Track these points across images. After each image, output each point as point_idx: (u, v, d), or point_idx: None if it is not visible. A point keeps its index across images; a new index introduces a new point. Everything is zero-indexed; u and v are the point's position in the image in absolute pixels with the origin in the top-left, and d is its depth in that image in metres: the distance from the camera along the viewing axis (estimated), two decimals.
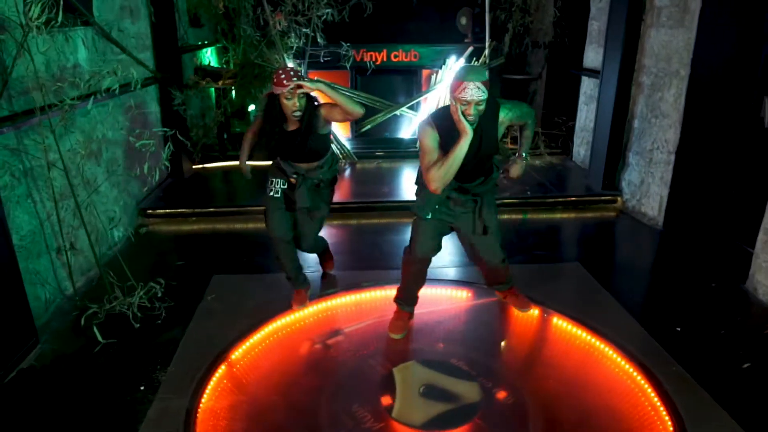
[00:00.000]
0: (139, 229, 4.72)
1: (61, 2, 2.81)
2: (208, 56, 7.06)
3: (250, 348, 3.20)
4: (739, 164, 4.29)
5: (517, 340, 3.46)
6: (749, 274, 3.78)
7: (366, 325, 3.48)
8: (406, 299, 3.35)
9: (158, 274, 3.71)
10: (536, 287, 3.76)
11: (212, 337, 3.24)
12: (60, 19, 2.77)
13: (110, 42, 4.28)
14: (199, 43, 6.68)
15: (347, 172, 6.30)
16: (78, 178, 3.67)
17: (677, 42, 4.47)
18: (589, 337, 3.29)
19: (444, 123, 2.73)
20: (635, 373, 2.96)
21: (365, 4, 5.67)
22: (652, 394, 2.80)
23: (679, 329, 3.36)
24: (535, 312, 3.54)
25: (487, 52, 6.30)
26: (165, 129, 3.66)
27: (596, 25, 5.82)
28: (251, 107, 6.65)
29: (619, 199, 5.40)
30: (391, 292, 3.73)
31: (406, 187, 5.73)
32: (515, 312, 3.55)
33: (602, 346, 3.21)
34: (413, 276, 3.25)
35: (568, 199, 5.44)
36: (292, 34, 5.71)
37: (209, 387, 2.85)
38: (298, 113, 3.06)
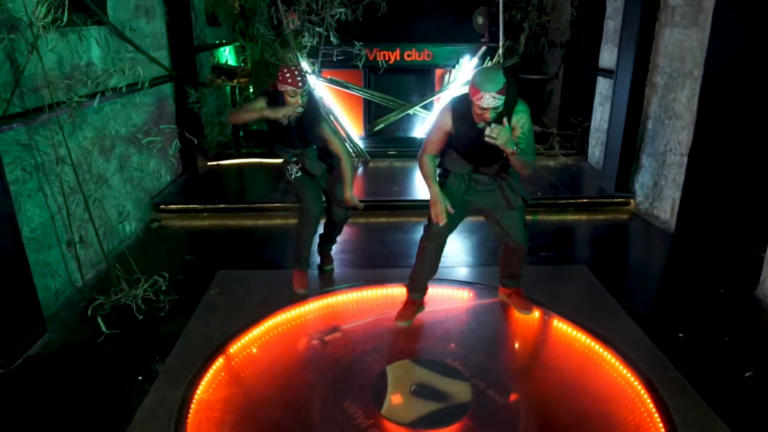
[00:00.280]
0: (151, 224, 4.82)
1: (66, 2, 2.88)
2: (226, 55, 7.16)
3: (249, 342, 3.25)
4: (753, 167, 4.19)
5: (515, 342, 3.44)
6: (760, 280, 3.68)
7: (365, 322, 3.50)
8: (417, 285, 3.41)
9: (166, 269, 3.79)
10: (539, 289, 3.73)
11: (212, 331, 3.29)
12: (65, 18, 2.85)
13: (124, 41, 4.39)
14: (217, 42, 6.79)
15: (359, 171, 6.33)
16: (89, 173, 3.78)
17: (691, 41, 4.38)
18: (588, 341, 3.25)
19: (461, 110, 2.91)
20: (632, 379, 2.91)
21: (379, 4, 5.70)
22: (648, 401, 2.75)
23: (681, 335, 3.30)
24: (536, 314, 3.52)
25: (501, 51, 6.26)
26: (172, 126, 3.72)
27: (612, 25, 5.73)
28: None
29: (631, 201, 5.31)
30: (393, 290, 3.80)
31: (418, 186, 5.74)
32: (516, 313, 3.53)
33: (601, 350, 3.16)
34: (428, 258, 3.29)
35: (580, 200, 5.37)
36: (306, 33, 5.75)
37: (205, 379, 2.90)
38: (300, 109, 3.24)
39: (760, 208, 4.02)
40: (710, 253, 4.37)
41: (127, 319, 3.38)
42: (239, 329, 3.30)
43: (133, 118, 4.60)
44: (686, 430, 2.54)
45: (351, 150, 6.40)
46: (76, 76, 3.59)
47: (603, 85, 6.01)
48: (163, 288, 3.59)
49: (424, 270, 3.34)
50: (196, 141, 4.14)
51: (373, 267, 4.17)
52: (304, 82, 3.22)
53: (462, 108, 2.92)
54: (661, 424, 2.59)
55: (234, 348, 3.17)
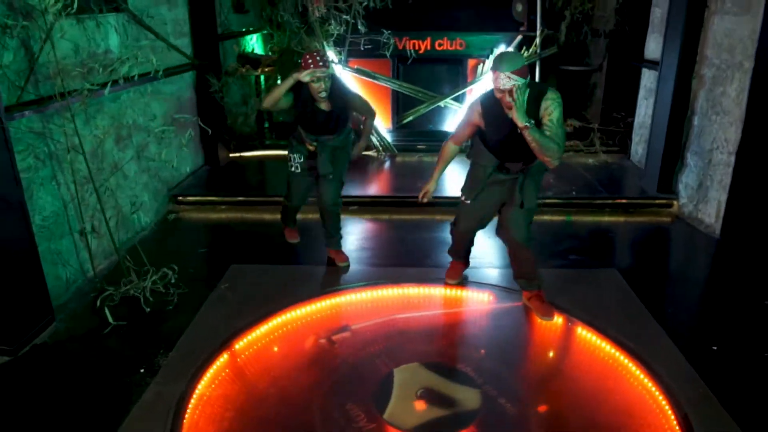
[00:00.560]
0: (167, 216, 4.80)
1: None
2: (253, 43, 7.05)
3: (255, 339, 3.17)
4: None
5: (534, 349, 3.25)
6: None
7: (376, 323, 3.37)
8: (457, 253, 3.69)
9: (178, 261, 3.74)
10: (565, 293, 3.53)
11: (219, 325, 3.23)
12: (75, 6, 2.80)
13: (143, 28, 4.35)
14: (243, 29, 6.70)
15: (386, 165, 6.18)
16: (104, 162, 3.76)
17: (742, 31, 4.02)
18: (612, 351, 3.04)
19: (490, 103, 2.97)
20: (656, 392, 2.71)
21: None
22: (672, 417, 2.55)
23: (715, 348, 3.03)
24: (558, 320, 3.30)
25: (538, 41, 5.96)
26: (185, 116, 3.66)
27: (659, 12, 5.36)
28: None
29: (675, 203, 4.96)
30: (408, 290, 3.68)
31: (445, 184, 5.51)
32: (537, 319, 3.32)
33: (625, 360, 2.96)
34: (461, 241, 3.59)
35: (617, 201, 5.06)
36: (332, 21, 5.61)
37: (207, 375, 2.84)
38: (323, 93, 3.39)
39: None
40: (756, 261, 4.03)
41: (135, 311, 3.35)
42: (245, 325, 3.23)
43: (152, 107, 4.56)
44: None
45: (379, 142, 6.26)
46: (89, 64, 3.55)
47: (648, 78, 5.64)
48: (173, 281, 3.55)
49: (460, 247, 3.63)
50: (210, 131, 4.06)
51: (390, 265, 4.03)
52: (327, 64, 3.33)
53: (491, 101, 2.96)
54: None
55: (239, 344, 3.10)
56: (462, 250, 3.65)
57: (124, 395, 2.68)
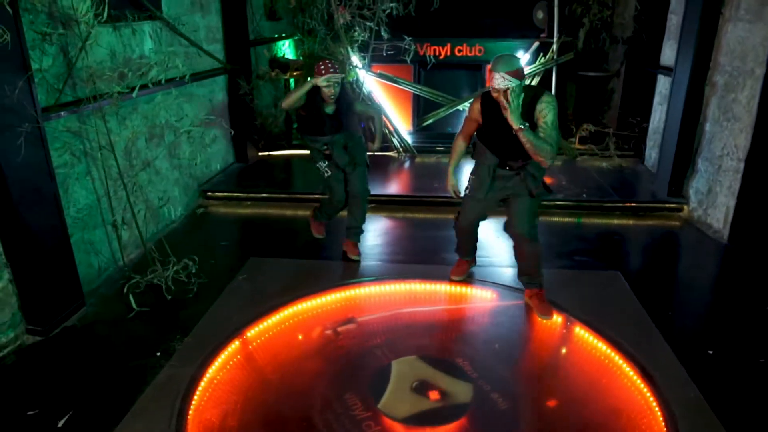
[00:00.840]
0: (196, 210, 5.07)
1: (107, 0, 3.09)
2: (285, 48, 7.35)
3: (265, 328, 3.36)
4: None
5: (531, 347, 3.35)
6: None
7: (381, 316, 3.53)
8: (461, 251, 3.84)
9: (202, 253, 3.99)
10: (565, 293, 3.62)
11: (233, 314, 3.44)
12: (105, 15, 3.06)
13: (177, 35, 4.63)
14: (275, 36, 6.99)
15: (406, 165, 6.34)
16: (137, 159, 4.03)
17: (754, 38, 4.05)
18: (607, 351, 3.12)
19: (489, 101, 3.09)
20: (648, 394, 2.78)
21: None
22: (661, 419, 2.62)
23: (711, 352, 3.09)
24: (557, 319, 3.41)
25: (555, 47, 6.04)
26: (211, 117, 3.91)
27: (675, 20, 5.38)
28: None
29: (684, 207, 5.00)
30: (416, 286, 3.82)
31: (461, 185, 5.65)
32: (536, 317, 3.44)
33: (619, 361, 3.03)
34: (464, 237, 3.74)
35: (627, 204, 5.12)
36: (357, 28, 5.82)
37: (218, 360, 3.04)
38: (333, 96, 3.74)
39: None
40: (762, 267, 4.05)
41: (158, 298, 3.60)
42: (258, 315, 3.42)
43: (184, 109, 4.85)
44: None
45: (399, 143, 6.43)
46: (123, 69, 3.83)
47: (663, 84, 5.67)
48: (194, 271, 3.78)
49: (463, 244, 3.79)
50: (233, 132, 4.31)
51: (403, 262, 4.19)
52: (337, 69, 3.70)
53: (490, 99, 3.07)
54: None
55: (250, 333, 3.30)
56: (466, 247, 3.78)
57: (140, 376, 2.89)
